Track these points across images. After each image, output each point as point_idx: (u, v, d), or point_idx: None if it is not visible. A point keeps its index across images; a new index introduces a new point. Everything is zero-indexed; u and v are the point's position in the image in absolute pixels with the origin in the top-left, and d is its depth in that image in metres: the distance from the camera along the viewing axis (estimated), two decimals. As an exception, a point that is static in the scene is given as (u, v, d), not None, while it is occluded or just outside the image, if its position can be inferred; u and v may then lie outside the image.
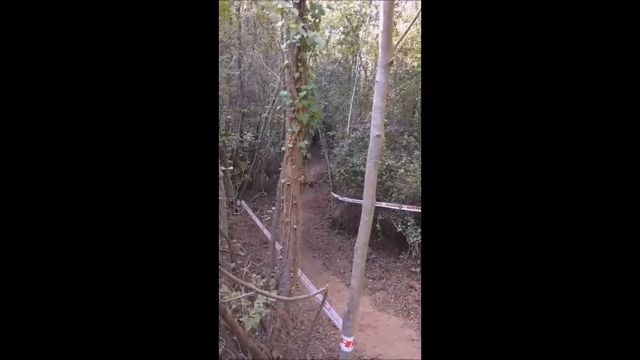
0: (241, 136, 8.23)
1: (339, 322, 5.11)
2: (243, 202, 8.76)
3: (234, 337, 2.58)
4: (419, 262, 6.22)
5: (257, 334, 3.29)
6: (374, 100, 2.60)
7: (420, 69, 8.41)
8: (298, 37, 3.03)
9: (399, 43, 7.38)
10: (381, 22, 2.44)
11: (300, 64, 3.16)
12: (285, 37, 3.27)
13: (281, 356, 3.30)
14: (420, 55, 8.88)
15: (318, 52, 9.39)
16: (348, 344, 3.00)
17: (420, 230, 6.16)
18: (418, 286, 6.09)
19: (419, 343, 4.98)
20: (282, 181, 3.44)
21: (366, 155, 7.22)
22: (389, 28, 2.43)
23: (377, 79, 2.52)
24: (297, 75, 3.17)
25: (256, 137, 8.76)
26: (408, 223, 6.29)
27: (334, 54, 10.37)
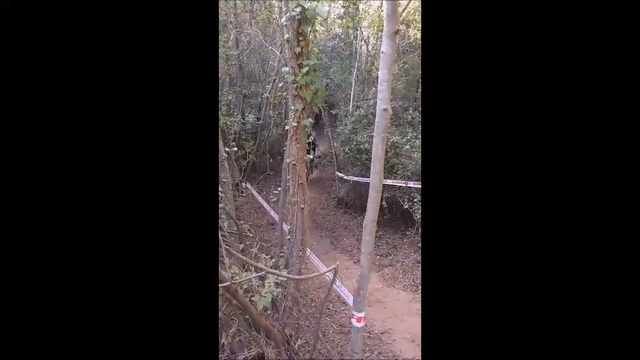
0: (243, 118, 8.12)
1: (348, 299, 5.18)
2: (248, 184, 8.76)
3: (247, 317, 2.61)
4: (426, 237, 6.23)
5: (269, 312, 3.34)
6: (379, 73, 2.50)
7: (423, 41, 8.13)
8: (298, 9, 2.89)
9: (402, 14, 7.11)
10: (385, -12, 2.31)
11: (301, 38, 3.04)
12: (284, 10, 3.13)
13: (293, 333, 3.36)
14: (423, 27, 8.57)
15: (318, 28, 9.10)
16: (359, 320, 3.03)
17: (426, 206, 6.14)
18: (426, 261, 6.14)
19: (428, 317, 5.07)
20: (288, 160, 3.39)
21: (371, 133, 7.08)
22: (394, -6, 2.30)
23: (382, 49, 2.41)
24: (298, 50, 3.05)
25: (258, 119, 8.64)
26: (415, 200, 6.25)
27: (334, 29, 10.05)
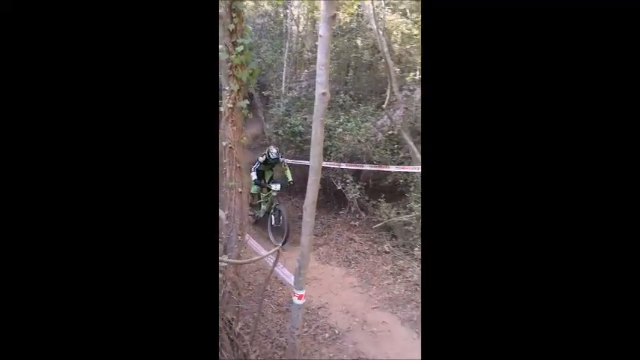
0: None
1: (289, 279, 5.29)
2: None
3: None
4: (358, 216, 6.61)
5: (208, 299, 3.27)
6: (318, 57, 2.52)
7: (353, 25, 8.33)
8: (231, -17, 2.74)
9: (332, -4, 7.14)
10: (322, -29, 2.31)
11: (234, 15, 2.90)
12: (215, -18, 2.93)
13: (234, 317, 3.35)
14: (352, 12, 8.76)
15: (245, 3, 8.66)
16: (300, 297, 3.15)
17: (358, 186, 6.49)
18: (357, 238, 6.53)
19: (360, 289, 5.45)
20: (224, 144, 3.26)
21: (304, 115, 7.07)
22: (331, -22, 2.32)
23: (320, 32, 2.43)
24: (232, 27, 2.91)
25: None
26: (347, 181, 6.55)
27: (263, 6, 9.67)
